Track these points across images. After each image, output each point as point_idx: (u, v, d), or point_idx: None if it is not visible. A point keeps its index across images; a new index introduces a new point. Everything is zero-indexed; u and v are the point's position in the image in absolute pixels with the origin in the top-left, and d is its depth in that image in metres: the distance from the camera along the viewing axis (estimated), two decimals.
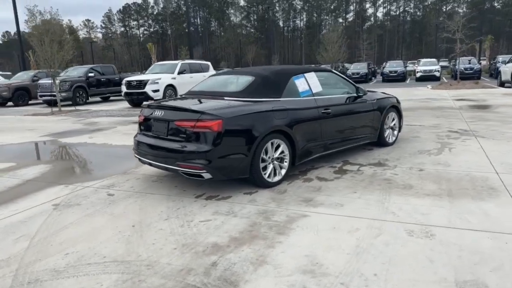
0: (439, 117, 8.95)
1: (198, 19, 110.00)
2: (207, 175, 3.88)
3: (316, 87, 4.96)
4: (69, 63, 15.77)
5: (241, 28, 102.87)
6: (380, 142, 5.98)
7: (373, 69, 35.54)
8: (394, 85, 23.62)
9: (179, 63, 15.81)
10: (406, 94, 15.60)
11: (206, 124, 3.81)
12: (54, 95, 14.74)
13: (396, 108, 6.19)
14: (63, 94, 16.27)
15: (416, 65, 31.27)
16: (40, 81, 17.02)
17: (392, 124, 6.17)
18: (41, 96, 16.81)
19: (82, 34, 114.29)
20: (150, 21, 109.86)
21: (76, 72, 17.80)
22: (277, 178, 4.33)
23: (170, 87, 14.79)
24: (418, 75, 27.40)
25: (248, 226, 3.28)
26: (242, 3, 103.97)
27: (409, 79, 29.71)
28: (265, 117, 4.16)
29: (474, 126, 7.54)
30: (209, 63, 17.69)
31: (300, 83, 4.80)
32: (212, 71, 17.46)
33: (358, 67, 30.90)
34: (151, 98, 14.43)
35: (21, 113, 14.34)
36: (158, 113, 4.25)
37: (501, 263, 2.53)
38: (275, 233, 3.12)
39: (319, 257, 2.71)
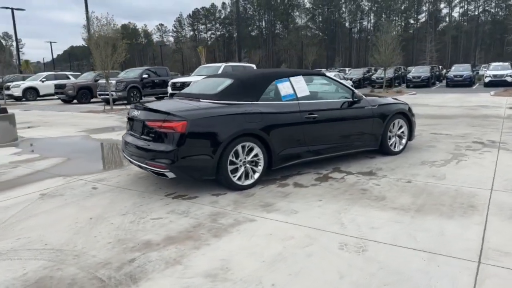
0: (475, 126, 8.23)
1: (263, 22, 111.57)
2: (170, 174, 4.00)
3: (302, 91, 4.87)
4: (129, 65, 16.84)
5: (305, 30, 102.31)
6: (383, 151, 5.69)
7: (437, 72, 33.40)
8: (456, 90, 22.09)
9: (222, 65, 16.22)
10: (458, 101, 14.51)
11: (171, 124, 3.94)
12: (112, 94, 15.95)
13: (404, 115, 5.83)
14: (119, 93, 17.52)
15: (486, 69, 28.81)
16: (100, 81, 18.45)
17: (399, 132, 5.82)
18: (99, 94, 18.21)
19: (155, 38, 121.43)
20: (217, 25, 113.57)
21: (132, 73, 19.04)
22: (248, 182, 4.33)
23: None
24: (486, 80, 25.27)
25: (191, 227, 3.34)
26: (307, 5, 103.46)
27: (477, 84, 27.49)
28: (234, 120, 4.18)
29: (506, 138, 6.84)
30: (253, 65, 17.92)
31: (283, 87, 4.74)
32: None
33: (420, 71, 29.23)
34: None
35: (80, 110, 15.66)
36: (136, 113, 4.47)
37: (414, 287, 2.33)
38: (210, 235, 3.15)
39: (233, 263, 2.69)
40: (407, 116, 5.88)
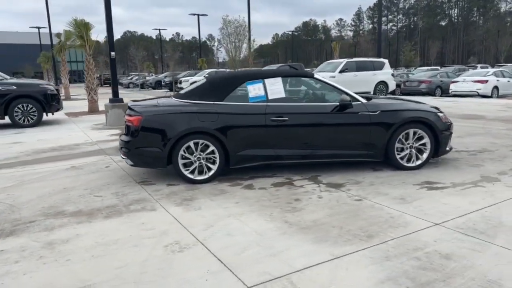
0: None
1: (456, 9, 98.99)
2: (129, 161, 4.67)
3: (276, 93, 4.77)
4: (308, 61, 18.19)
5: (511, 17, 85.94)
6: (392, 164, 4.98)
7: None
8: None
9: (343, 61, 15.77)
10: None
11: (131, 119, 4.59)
12: None
13: (426, 124, 4.93)
14: None
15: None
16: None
17: (417, 144, 4.97)
18: None
19: (333, 33, 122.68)
20: (400, 16, 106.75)
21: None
22: (201, 177, 4.61)
23: None
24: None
25: (105, 207, 3.94)
26: None
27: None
28: (186, 118, 4.51)
29: None
30: (385, 60, 16.71)
31: (254, 88, 4.76)
32: (387, 68, 16.54)
33: None
34: None
35: None
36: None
37: None
38: (103, 216, 3.69)
39: (78, 239, 3.19)
40: (430, 126, 4.94)
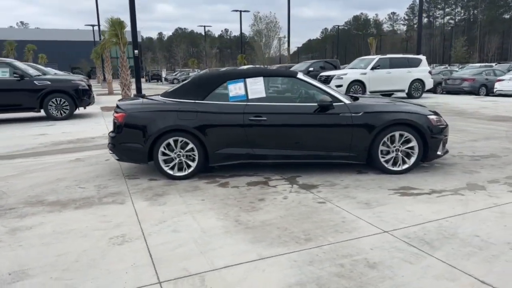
0: None
1: None
2: (114, 156, 4.94)
3: (256, 93, 4.81)
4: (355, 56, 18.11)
5: None
6: (376, 167, 4.85)
7: None
8: None
9: (376, 58, 15.28)
10: None
11: (116, 115, 4.84)
12: None
13: (413, 127, 4.74)
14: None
15: None
16: None
17: (404, 148, 4.79)
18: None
19: (385, 27, 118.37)
20: (458, 9, 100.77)
21: (299, 67, 20.18)
22: (180, 173, 4.77)
23: (358, 82, 14.68)
24: None
25: (81, 198, 4.21)
26: None
27: None
28: (166, 117, 4.68)
29: None
30: (422, 57, 15.97)
31: (234, 88, 4.83)
32: (424, 66, 15.83)
33: None
34: None
35: None
36: None
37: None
38: (75, 206, 3.96)
39: (33, 227, 3.47)
40: (417, 129, 4.74)
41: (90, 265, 2.72)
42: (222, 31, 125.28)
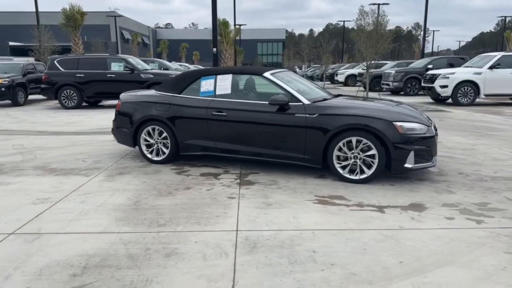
0: None
1: None
2: (114, 138, 5.86)
3: (223, 89, 5.05)
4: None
5: None
6: (333, 173, 4.59)
7: None
8: None
9: (498, 55, 12.89)
10: None
11: (117, 104, 5.75)
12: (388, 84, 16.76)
13: (372, 133, 4.29)
14: (395, 83, 17.75)
15: None
16: (386, 70, 19.17)
17: (363, 155, 4.39)
18: (382, 84, 19.03)
19: None
20: None
21: (415, 64, 18.38)
22: (157, 158, 5.39)
23: (468, 83, 12.72)
24: None
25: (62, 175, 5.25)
26: None
27: None
28: (146, 107, 5.33)
29: None
30: None
31: (206, 84, 5.16)
32: None
33: None
34: (438, 95, 13.26)
35: None
36: None
37: None
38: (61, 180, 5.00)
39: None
40: (378, 136, 4.27)
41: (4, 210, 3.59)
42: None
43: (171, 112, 5.19)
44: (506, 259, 2.69)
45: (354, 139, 4.37)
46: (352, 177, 4.45)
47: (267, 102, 4.76)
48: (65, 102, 12.71)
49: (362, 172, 4.42)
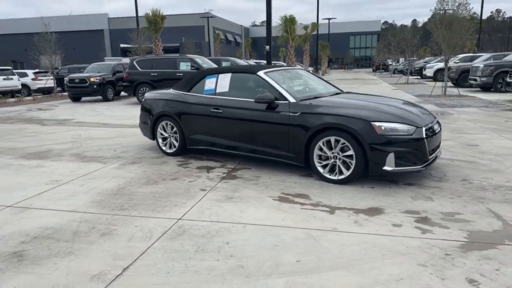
0: None
1: None
2: (141, 131, 6.53)
3: (222, 88, 5.32)
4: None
5: None
6: (314, 172, 4.58)
7: None
8: None
9: None
10: None
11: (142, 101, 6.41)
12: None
13: (349, 133, 4.18)
14: (483, 79, 16.01)
15: None
16: (474, 64, 17.32)
17: (342, 155, 4.31)
18: (469, 79, 17.24)
19: None
20: None
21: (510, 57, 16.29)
22: (170, 150, 5.91)
23: None
24: None
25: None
26: None
27: None
28: (160, 104, 5.86)
29: None
30: None
31: (209, 82, 5.49)
32: None
33: None
34: None
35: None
36: None
37: None
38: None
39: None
40: (355, 136, 4.15)
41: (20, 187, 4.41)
42: (492, 12, 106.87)
43: (178, 109, 5.64)
44: (412, 271, 2.53)
45: (332, 139, 4.30)
46: (331, 177, 4.39)
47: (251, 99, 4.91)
48: (142, 98, 14.16)
49: (340, 172, 4.33)
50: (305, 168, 4.76)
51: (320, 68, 33.17)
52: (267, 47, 11.42)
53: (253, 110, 4.92)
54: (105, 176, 4.92)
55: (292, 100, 4.70)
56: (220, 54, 40.08)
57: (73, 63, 27.42)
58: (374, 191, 4.09)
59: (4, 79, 20.36)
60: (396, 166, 4.10)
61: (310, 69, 41.16)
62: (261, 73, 5.13)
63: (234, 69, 5.61)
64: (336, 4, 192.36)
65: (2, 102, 16.31)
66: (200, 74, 5.80)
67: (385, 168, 4.10)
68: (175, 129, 5.75)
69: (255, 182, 4.52)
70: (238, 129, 5.08)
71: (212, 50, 46.95)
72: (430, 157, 4.32)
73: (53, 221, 3.49)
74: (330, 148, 4.36)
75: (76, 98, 16.22)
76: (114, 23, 52.05)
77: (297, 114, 4.54)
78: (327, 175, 4.42)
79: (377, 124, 4.11)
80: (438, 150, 4.67)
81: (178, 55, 15.26)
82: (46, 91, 21.74)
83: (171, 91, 6.04)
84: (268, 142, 4.82)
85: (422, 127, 4.22)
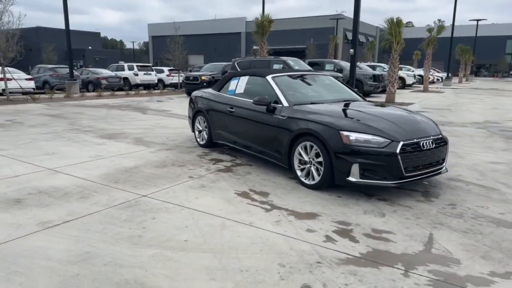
0: None
1: None
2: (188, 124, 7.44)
3: (240, 89, 5.80)
4: None
5: None
6: (294, 174, 4.76)
7: None
8: None
9: None
10: None
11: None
12: None
13: (319, 140, 4.26)
14: None
15: None
16: None
17: (315, 160, 4.40)
18: None
19: None
20: None
21: None
22: (202, 142, 6.66)
23: None
24: None
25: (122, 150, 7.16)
26: None
27: None
28: (198, 101, 6.63)
29: None
30: None
31: (233, 84, 6.02)
32: None
33: None
34: None
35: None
36: None
37: None
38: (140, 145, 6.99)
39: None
40: (323, 143, 4.21)
41: (66, 157, 5.72)
42: None
43: (208, 106, 6.33)
44: (263, 266, 2.69)
45: (308, 144, 4.42)
46: (306, 181, 4.50)
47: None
48: None
49: (313, 178, 4.41)
50: (290, 171, 4.93)
51: (453, 75, 29.65)
52: (351, 50, 11.24)
53: (256, 112, 5.28)
54: (135, 156, 5.91)
55: (285, 104, 4.92)
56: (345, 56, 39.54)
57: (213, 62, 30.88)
58: (334, 200, 4.09)
59: (144, 74, 24.24)
60: (361, 178, 4.02)
61: (442, 75, 37.21)
62: (269, 77, 5.45)
63: (251, 73, 6.03)
64: (499, 3, 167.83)
65: (136, 93, 19.55)
66: (230, 76, 6.38)
67: (349, 178, 4.06)
68: (206, 123, 6.46)
69: (240, 177, 4.90)
70: (246, 128, 5.49)
71: (341, 52, 46.56)
72: (411, 174, 4.07)
73: (62, 183, 4.53)
74: (307, 153, 4.48)
75: (190, 93, 18.42)
76: (251, 26, 55.89)
77: (285, 118, 4.76)
78: (303, 179, 4.54)
79: (345, 133, 4.09)
80: (436, 167, 4.33)
81: (273, 57, 16.01)
82: (175, 86, 25.06)
83: (209, 90, 6.77)
84: (266, 142, 5.12)
85: (399, 141, 4.02)
